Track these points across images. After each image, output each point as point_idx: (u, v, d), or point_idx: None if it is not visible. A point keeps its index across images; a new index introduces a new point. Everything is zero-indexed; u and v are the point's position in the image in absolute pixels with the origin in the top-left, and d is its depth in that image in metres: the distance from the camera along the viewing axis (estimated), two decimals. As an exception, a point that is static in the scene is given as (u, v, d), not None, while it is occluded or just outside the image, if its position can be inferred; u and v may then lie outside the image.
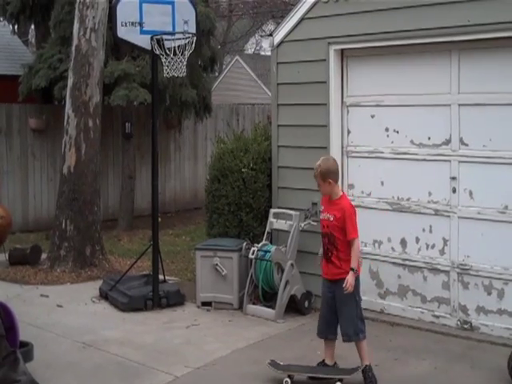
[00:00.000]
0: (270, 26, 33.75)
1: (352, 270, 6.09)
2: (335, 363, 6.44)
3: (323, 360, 6.45)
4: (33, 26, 19.69)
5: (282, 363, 6.44)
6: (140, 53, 13.18)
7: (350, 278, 6.06)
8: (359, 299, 6.29)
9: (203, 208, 10.35)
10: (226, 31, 35.91)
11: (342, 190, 6.42)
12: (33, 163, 14.77)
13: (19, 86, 14.85)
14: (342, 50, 8.42)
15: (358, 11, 8.06)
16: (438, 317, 7.84)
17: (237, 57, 29.73)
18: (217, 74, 27.81)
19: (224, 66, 32.35)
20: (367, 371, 6.19)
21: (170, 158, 17.27)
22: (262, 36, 37.64)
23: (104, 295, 9.24)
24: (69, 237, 10.78)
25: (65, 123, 11.03)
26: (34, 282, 10.18)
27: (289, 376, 6.28)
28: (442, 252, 7.79)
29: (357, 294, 6.24)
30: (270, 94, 10.17)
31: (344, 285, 6.06)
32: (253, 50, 40.04)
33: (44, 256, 11.16)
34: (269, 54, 9.93)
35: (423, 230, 7.92)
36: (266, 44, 32.72)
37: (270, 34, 9.12)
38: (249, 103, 20.30)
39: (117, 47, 13.76)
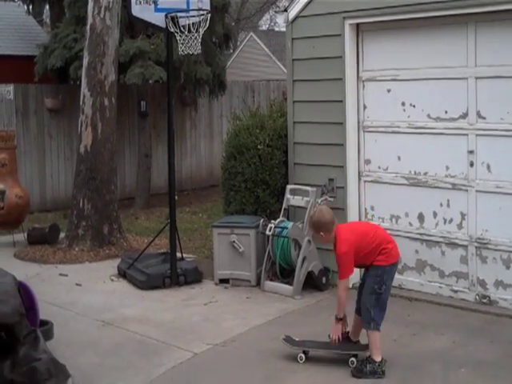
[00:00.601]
0: (284, 2, 33.44)
1: (336, 317, 6.12)
2: (358, 341, 6.35)
3: (347, 332, 6.32)
4: (47, 6, 19.66)
5: (297, 339, 6.44)
6: (155, 31, 13.15)
7: (332, 328, 6.14)
8: (379, 290, 6.05)
9: (219, 185, 10.35)
10: (240, 8, 35.70)
11: (337, 224, 6.16)
12: (49, 143, 14.82)
13: (35, 66, 14.92)
14: (358, 25, 8.35)
15: (373, -15, 8.00)
16: (456, 291, 7.82)
17: (251, 33, 29.65)
18: (231, 50, 27.73)
19: (238, 43, 32.23)
20: (367, 362, 5.96)
21: (186, 136, 17.26)
22: (276, 12, 37.44)
23: (122, 273, 9.29)
24: (86, 216, 10.82)
25: (81, 102, 11.04)
26: (52, 261, 10.24)
27: (304, 351, 6.28)
28: (459, 226, 7.75)
29: (378, 284, 6.05)
30: (285, 70, 10.12)
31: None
32: (267, 26, 39.85)
33: (62, 235, 11.22)
34: (283, 29, 9.86)
35: (441, 204, 7.88)
36: (280, 20, 32.56)
37: (285, 10, 9.05)
38: (264, 79, 20.20)
39: (131, 26, 13.74)
